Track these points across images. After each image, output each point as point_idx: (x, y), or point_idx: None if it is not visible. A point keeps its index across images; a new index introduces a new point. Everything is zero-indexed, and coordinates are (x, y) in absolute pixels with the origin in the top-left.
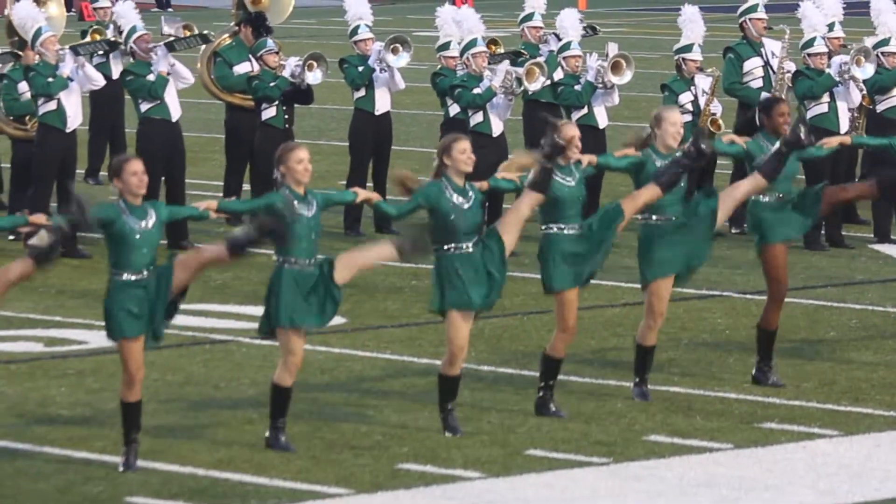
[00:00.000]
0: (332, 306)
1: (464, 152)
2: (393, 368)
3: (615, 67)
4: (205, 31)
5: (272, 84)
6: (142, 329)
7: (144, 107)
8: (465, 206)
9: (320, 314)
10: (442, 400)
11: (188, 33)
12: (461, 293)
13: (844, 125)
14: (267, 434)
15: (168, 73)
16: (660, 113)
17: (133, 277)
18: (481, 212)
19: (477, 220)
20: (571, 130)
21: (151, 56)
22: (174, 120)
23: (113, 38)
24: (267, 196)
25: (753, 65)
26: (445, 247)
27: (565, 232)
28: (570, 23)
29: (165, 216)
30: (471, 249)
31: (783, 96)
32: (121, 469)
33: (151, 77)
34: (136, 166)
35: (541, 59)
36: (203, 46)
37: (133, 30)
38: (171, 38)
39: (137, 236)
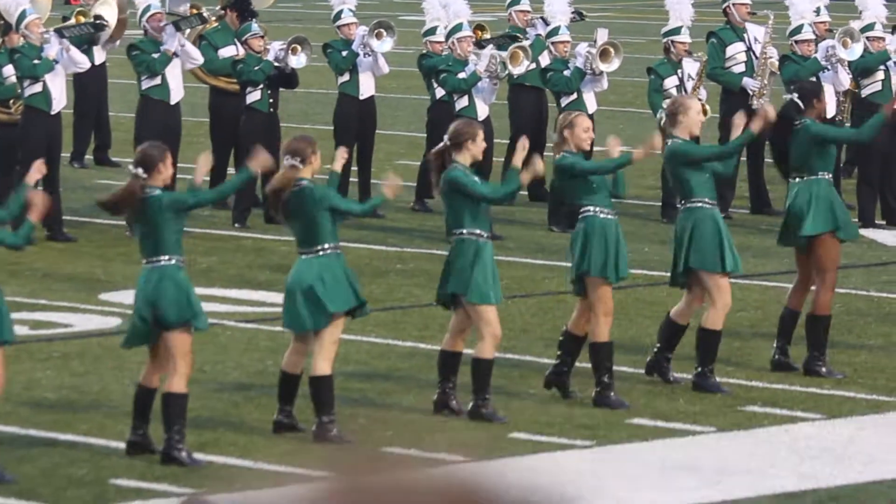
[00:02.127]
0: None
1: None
2: (377, 352)
3: (604, 55)
4: (203, 12)
5: (256, 68)
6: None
7: (145, 84)
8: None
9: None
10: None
11: (194, 12)
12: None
13: (832, 109)
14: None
15: (175, 54)
16: (684, 101)
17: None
18: None
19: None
20: (586, 122)
21: (162, 35)
22: (173, 102)
23: (99, 21)
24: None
25: (736, 50)
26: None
27: (601, 216)
28: (558, 7)
29: None
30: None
31: (765, 81)
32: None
33: (156, 55)
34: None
35: (525, 43)
36: (188, 30)
37: (147, 8)
38: (177, 18)
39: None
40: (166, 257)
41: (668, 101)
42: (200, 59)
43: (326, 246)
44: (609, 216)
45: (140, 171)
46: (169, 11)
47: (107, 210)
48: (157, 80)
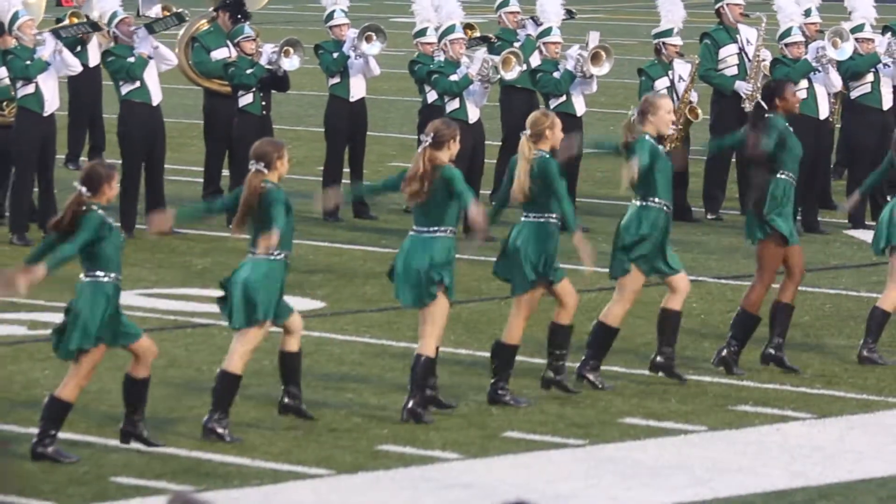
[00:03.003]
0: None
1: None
2: (372, 352)
3: (595, 58)
4: (180, 10)
5: (249, 71)
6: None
7: (125, 89)
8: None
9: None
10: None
11: (167, 13)
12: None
13: (824, 110)
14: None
15: (150, 56)
16: (655, 100)
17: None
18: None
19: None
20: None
21: (134, 39)
22: (155, 104)
23: (94, 20)
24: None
25: (729, 52)
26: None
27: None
28: (551, 7)
29: None
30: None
31: (758, 84)
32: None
33: (132, 59)
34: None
35: (517, 48)
36: (181, 32)
37: (114, 14)
38: (150, 20)
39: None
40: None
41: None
42: (175, 60)
43: (281, 253)
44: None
45: (84, 189)
46: (139, 14)
47: (54, 229)
48: (137, 84)
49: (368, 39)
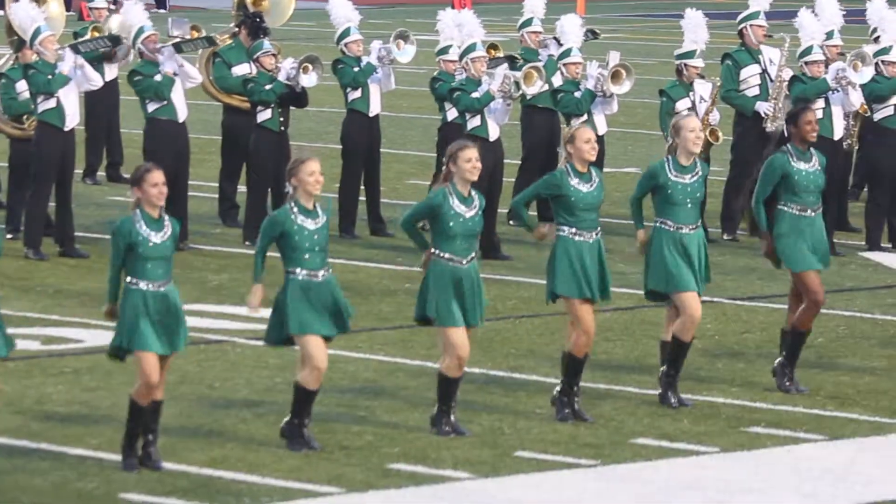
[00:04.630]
0: (344, 319)
1: (469, 161)
2: (385, 370)
3: (615, 77)
4: (211, 35)
5: (268, 87)
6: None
7: (151, 107)
8: (467, 214)
9: (332, 324)
10: (450, 400)
11: (196, 35)
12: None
13: (839, 131)
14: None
15: (175, 74)
16: (677, 122)
17: (144, 287)
18: (482, 221)
19: (476, 230)
20: (588, 133)
21: (158, 56)
22: (181, 121)
23: (116, 34)
24: (265, 232)
25: (751, 72)
26: (444, 255)
27: (576, 238)
28: (571, 28)
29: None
30: (464, 264)
31: (780, 105)
32: None
33: (158, 77)
34: (157, 177)
35: (539, 64)
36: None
37: (141, 30)
38: (179, 40)
39: (150, 245)
40: None
41: None
42: (199, 79)
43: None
44: (583, 238)
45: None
46: (169, 35)
47: None
48: (164, 101)
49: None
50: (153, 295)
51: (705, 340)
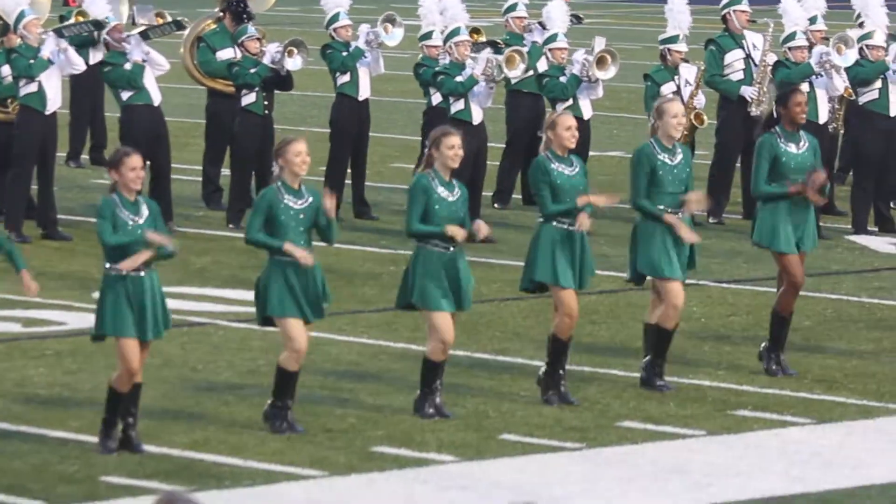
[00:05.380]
0: (320, 306)
1: (452, 147)
2: (369, 353)
3: (600, 62)
4: (178, 18)
5: (252, 71)
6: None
7: (125, 95)
8: (450, 199)
9: (311, 308)
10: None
11: (161, 21)
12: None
13: (823, 115)
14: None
15: (143, 61)
16: (660, 105)
17: (128, 273)
18: (465, 208)
19: (460, 214)
20: (569, 120)
21: (125, 45)
22: (156, 104)
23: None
24: (258, 202)
25: (735, 57)
26: (431, 240)
27: (556, 225)
28: (556, 14)
29: (159, 221)
30: (451, 250)
31: (764, 89)
32: None
33: (128, 66)
34: (135, 161)
35: (521, 47)
36: (186, 32)
37: (107, 20)
38: (145, 27)
39: (128, 229)
40: None
41: None
42: (167, 66)
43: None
44: (564, 226)
45: None
46: (134, 23)
47: None
48: (138, 88)
49: (386, 29)
50: (133, 280)
51: (691, 323)
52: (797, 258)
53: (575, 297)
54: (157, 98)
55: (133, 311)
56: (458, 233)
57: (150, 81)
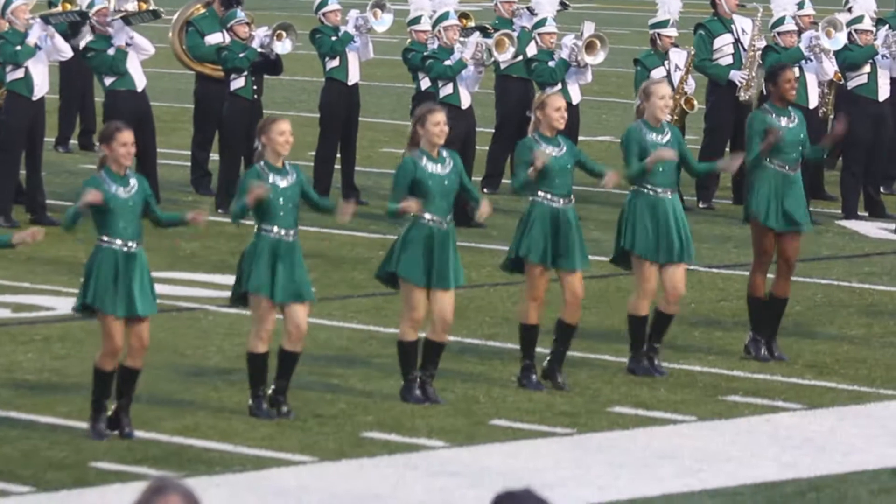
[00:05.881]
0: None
1: (437, 124)
2: (358, 338)
3: (589, 47)
4: (156, 8)
5: (241, 55)
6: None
7: (108, 80)
8: (441, 172)
9: (289, 292)
10: (412, 367)
11: (144, 6)
12: (416, 267)
13: (813, 99)
14: (249, 403)
15: (128, 45)
16: (648, 86)
17: (117, 246)
18: (457, 179)
19: (453, 187)
20: (559, 101)
21: (108, 30)
22: (140, 90)
23: (84, 10)
24: (244, 182)
25: (724, 42)
26: (425, 216)
27: (547, 203)
28: None
29: (148, 191)
30: (445, 226)
31: (753, 73)
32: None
33: (111, 52)
34: (127, 137)
35: (510, 31)
36: (175, 16)
37: (91, 4)
38: (125, 13)
39: (119, 200)
40: None
41: None
42: (151, 50)
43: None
44: (554, 204)
45: None
46: (117, 8)
47: None
48: (121, 74)
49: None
50: (125, 255)
51: (682, 309)
52: (790, 237)
53: (546, 281)
54: (140, 83)
55: (120, 287)
56: (411, 206)
57: (134, 66)
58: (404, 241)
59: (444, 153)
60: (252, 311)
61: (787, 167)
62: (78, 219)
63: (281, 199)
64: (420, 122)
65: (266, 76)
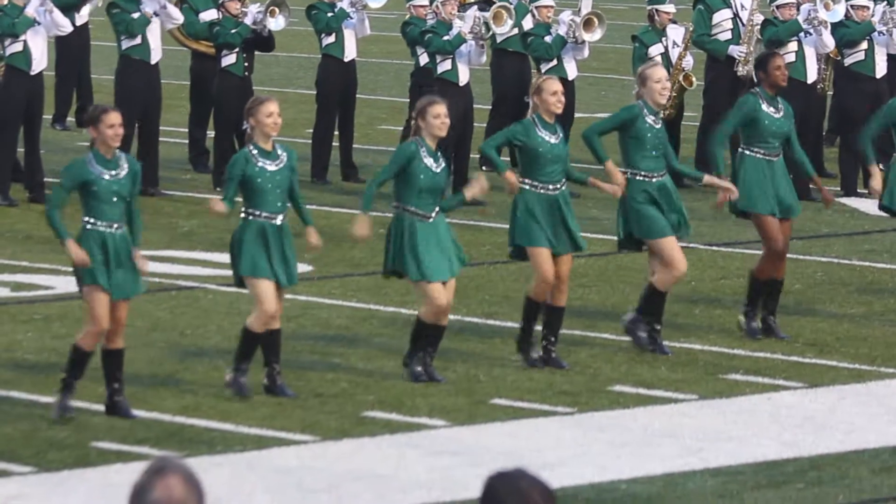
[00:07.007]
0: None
1: (438, 117)
2: (359, 316)
3: (587, 24)
4: None
5: (233, 31)
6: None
7: (125, 44)
8: (435, 169)
9: (283, 273)
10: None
11: None
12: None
13: (812, 74)
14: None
15: (156, 14)
16: (643, 71)
17: (102, 228)
18: (447, 178)
19: (441, 185)
20: (555, 85)
21: None
22: (153, 62)
23: None
24: (230, 170)
25: (723, 17)
26: (409, 208)
27: (540, 191)
28: None
29: (137, 180)
30: (431, 218)
31: (751, 48)
32: None
33: (136, 15)
34: (114, 118)
35: (507, 4)
36: None
37: None
38: None
39: (104, 182)
40: None
41: None
42: (181, 19)
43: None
44: (547, 191)
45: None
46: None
47: None
48: (138, 41)
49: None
50: (112, 236)
51: (682, 287)
52: (777, 222)
53: (550, 260)
54: (156, 56)
55: (109, 267)
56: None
57: (154, 37)
58: (403, 241)
59: (440, 153)
60: (251, 292)
61: (769, 155)
62: (59, 232)
63: (269, 184)
64: (421, 115)
65: (259, 53)
